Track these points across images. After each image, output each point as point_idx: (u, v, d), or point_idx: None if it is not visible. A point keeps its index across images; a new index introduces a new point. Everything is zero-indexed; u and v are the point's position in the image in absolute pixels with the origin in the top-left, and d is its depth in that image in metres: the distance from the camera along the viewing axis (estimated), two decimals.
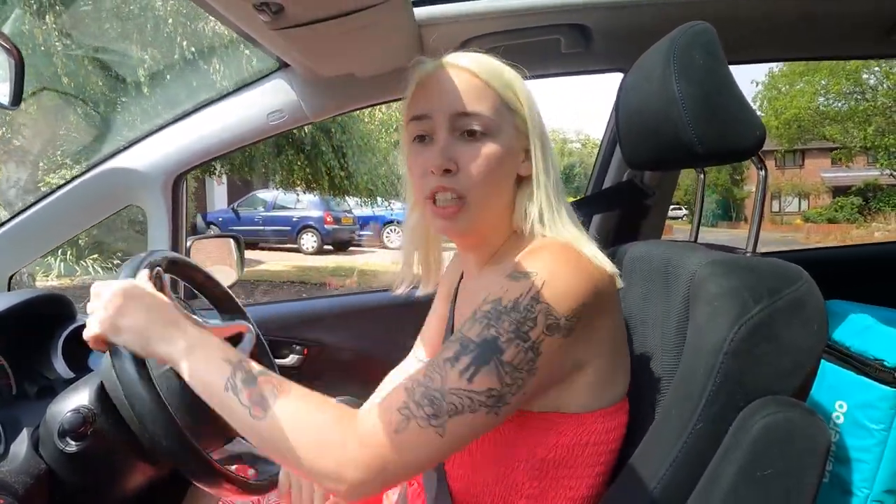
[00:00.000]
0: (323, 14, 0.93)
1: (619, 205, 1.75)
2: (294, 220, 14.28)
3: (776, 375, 0.72)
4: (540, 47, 1.46)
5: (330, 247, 14.54)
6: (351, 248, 15.21)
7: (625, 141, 1.07)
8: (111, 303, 0.79)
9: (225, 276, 1.63)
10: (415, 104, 0.88)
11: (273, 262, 12.24)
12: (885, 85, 18.57)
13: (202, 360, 0.75)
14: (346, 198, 12.42)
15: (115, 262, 8.19)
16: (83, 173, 1.52)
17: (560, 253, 0.77)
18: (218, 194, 16.53)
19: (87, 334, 0.83)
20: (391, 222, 15.49)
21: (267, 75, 1.50)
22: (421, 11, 1.30)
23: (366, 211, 14.14)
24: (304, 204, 14.14)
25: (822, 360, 0.96)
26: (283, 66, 1.47)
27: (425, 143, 0.87)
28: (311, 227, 14.18)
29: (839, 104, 19.85)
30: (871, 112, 18.87)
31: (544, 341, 0.70)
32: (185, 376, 0.75)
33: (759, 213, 0.89)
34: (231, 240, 1.73)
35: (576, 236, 0.83)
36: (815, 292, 0.76)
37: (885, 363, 1.47)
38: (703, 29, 0.86)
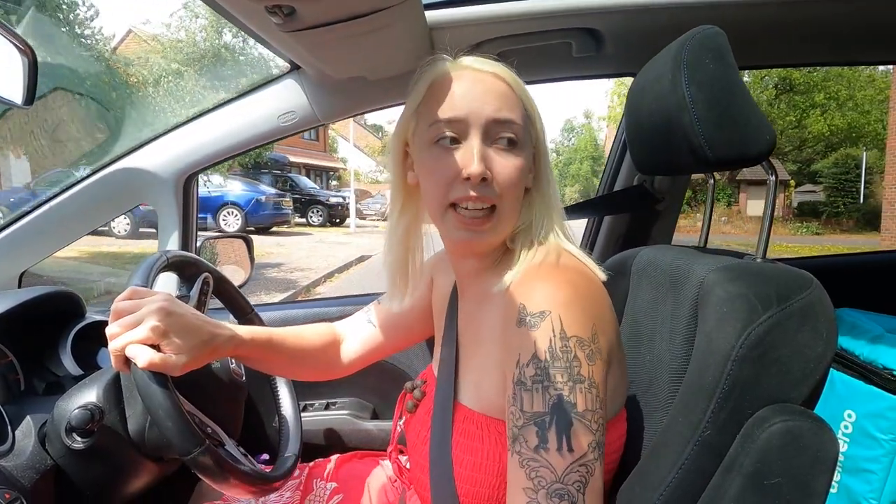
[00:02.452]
0: (334, 16, 0.93)
1: (628, 209, 1.74)
2: None
3: (785, 383, 0.72)
4: (551, 51, 1.46)
5: (151, 229, 13.70)
6: None
7: (634, 145, 1.07)
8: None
9: (235, 275, 1.64)
10: (448, 105, 0.83)
11: (73, 246, 11.57)
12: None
13: None
14: None
15: None
16: (95, 172, 1.53)
17: (556, 278, 0.77)
18: (17, 170, 13.42)
19: (117, 363, 0.84)
20: (226, 204, 15.42)
21: (278, 77, 1.51)
22: (432, 14, 1.30)
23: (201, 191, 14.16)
24: None
25: (832, 369, 0.95)
26: (295, 67, 1.47)
27: (453, 146, 0.82)
28: None
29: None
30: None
31: (593, 371, 0.71)
32: None
33: (770, 219, 0.88)
34: (241, 240, 1.74)
35: (555, 244, 0.85)
36: (825, 300, 0.76)
37: (895, 372, 1.46)
38: (714, 33, 0.86)
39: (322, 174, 34.68)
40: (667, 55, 0.91)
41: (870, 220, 17.03)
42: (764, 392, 0.71)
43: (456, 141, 0.82)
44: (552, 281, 0.76)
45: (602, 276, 0.83)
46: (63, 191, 1.52)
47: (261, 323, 1.29)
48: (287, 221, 17.28)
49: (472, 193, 0.80)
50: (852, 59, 1.83)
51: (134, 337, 0.81)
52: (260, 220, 15.73)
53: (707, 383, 0.73)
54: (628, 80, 1.28)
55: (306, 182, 23.24)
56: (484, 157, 0.81)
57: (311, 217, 20.61)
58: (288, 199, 17.12)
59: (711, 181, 1.08)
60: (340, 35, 1.01)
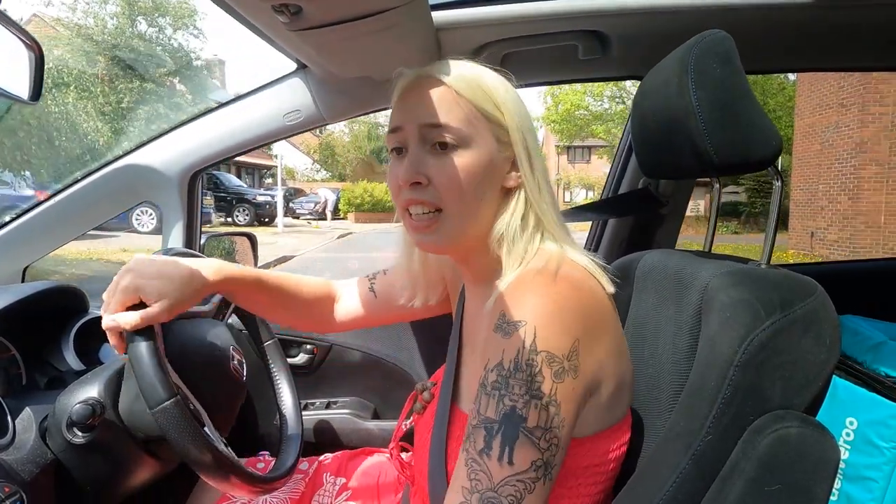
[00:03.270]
0: (341, 16, 0.93)
1: (632, 212, 1.74)
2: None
3: (787, 389, 0.72)
4: (557, 53, 1.46)
5: None
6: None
7: (640, 148, 1.06)
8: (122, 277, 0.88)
9: None
10: (392, 116, 0.88)
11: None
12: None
13: None
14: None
15: None
16: (100, 168, 1.53)
17: (544, 290, 0.74)
18: None
19: (113, 341, 0.88)
20: (142, 202, 15.16)
21: (285, 76, 1.51)
22: (439, 15, 1.30)
23: None
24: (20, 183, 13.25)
25: (834, 376, 0.95)
26: (301, 66, 1.47)
27: (401, 155, 0.86)
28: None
29: (604, 105, 21.20)
30: (627, 114, 19.67)
31: (558, 390, 0.69)
32: None
33: (775, 225, 0.88)
34: (245, 237, 1.75)
35: (558, 253, 0.82)
36: (829, 306, 0.75)
37: None
38: (721, 38, 0.86)
39: (254, 172, 33.64)
40: (674, 59, 0.91)
41: (784, 220, 17.43)
42: (766, 398, 0.71)
43: (400, 150, 0.86)
44: (539, 292, 0.74)
45: (609, 288, 0.80)
46: (67, 187, 1.53)
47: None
48: (208, 221, 16.59)
49: (409, 197, 0.84)
50: (860, 65, 1.82)
51: (112, 307, 0.86)
52: None
53: (709, 388, 0.73)
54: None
55: (232, 180, 22.69)
56: (419, 162, 0.83)
57: (236, 216, 20.05)
58: (209, 198, 16.57)
59: (716, 186, 1.08)
60: (347, 34, 1.01)
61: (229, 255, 1.79)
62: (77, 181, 1.53)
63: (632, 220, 1.78)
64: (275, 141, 1.59)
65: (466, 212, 0.84)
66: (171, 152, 1.54)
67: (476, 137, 0.82)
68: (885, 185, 10.48)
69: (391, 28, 1.02)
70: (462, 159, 0.82)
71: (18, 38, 0.98)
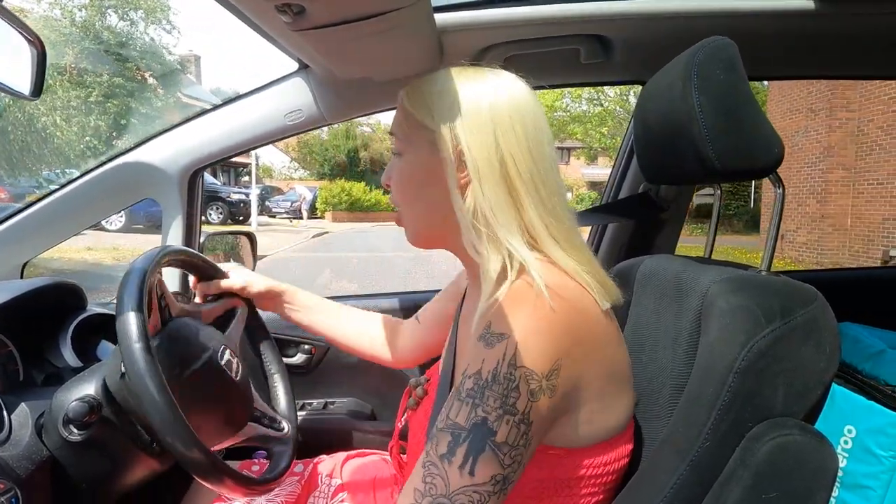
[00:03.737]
0: (344, 16, 0.93)
1: (633, 217, 1.74)
2: None
3: (786, 397, 0.71)
4: (559, 57, 1.46)
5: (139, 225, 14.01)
6: None
7: (641, 153, 1.06)
8: None
9: None
10: None
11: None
12: (616, 91, 19.74)
13: None
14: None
15: None
16: (101, 165, 1.53)
17: (533, 305, 0.72)
18: None
19: None
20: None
21: (286, 75, 1.51)
22: (442, 17, 1.30)
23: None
24: None
25: (833, 384, 0.95)
26: (303, 66, 1.47)
27: None
28: None
29: (582, 107, 21.23)
30: (604, 116, 20.44)
31: (532, 409, 0.69)
32: None
33: (776, 231, 0.88)
34: (244, 236, 1.74)
35: (548, 264, 0.80)
36: (829, 314, 0.75)
37: None
38: (725, 44, 0.85)
39: (230, 170, 32.89)
40: (677, 64, 0.90)
41: (757, 221, 17.70)
42: (765, 405, 0.71)
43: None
44: (525, 306, 0.73)
45: (604, 305, 0.78)
46: (68, 183, 1.53)
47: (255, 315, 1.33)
48: None
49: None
50: (862, 73, 1.82)
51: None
52: (145, 219, 14.71)
53: (708, 395, 0.72)
54: None
55: (206, 178, 22.14)
56: (389, 167, 0.94)
57: (209, 215, 19.66)
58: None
59: (718, 192, 1.08)
60: (349, 35, 1.01)
61: (228, 254, 1.78)
62: (78, 177, 1.53)
63: (632, 224, 1.77)
64: (276, 140, 1.59)
65: (415, 210, 0.92)
66: (172, 150, 1.54)
67: (410, 143, 0.89)
68: (851, 189, 10.75)
69: (394, 29, 1.02)
70: (401, 164, 0.91)
71: (20, 33, 0.98)
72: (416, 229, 0.93)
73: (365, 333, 1.33)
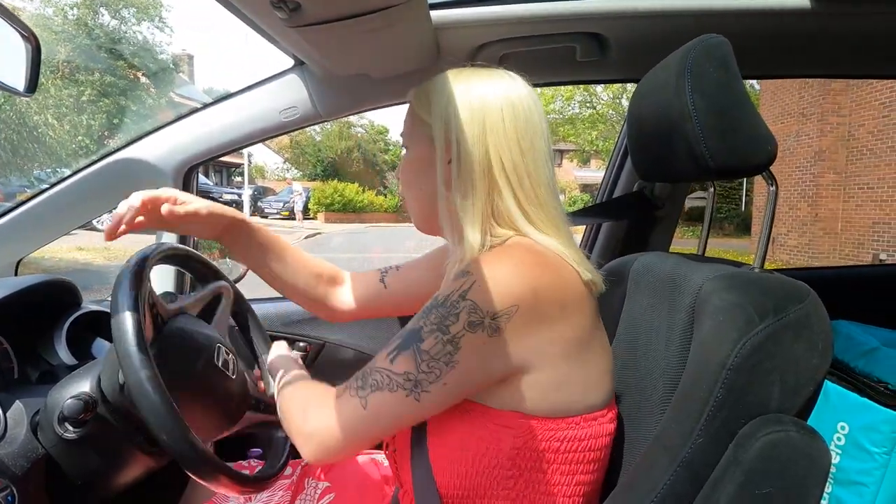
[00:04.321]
0: (340, 13, 0.93)
1: (627, 215, 1.74)
2: None
3: (779, 394, 0.72)
4: (555, 55, 1.46)
5: None
6: None
7: (635, 150, 1.07)
8: None
9: (232, 271, 1.64)
10: None
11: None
12: (608, 94, 19.97)
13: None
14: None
15: None
16: (95, 162, 1.53)
17: (505, 255, 0.80)
18: None
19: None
20: None
21: (282, 72, 1.51)
22: (438, 14, 1.30)
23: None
24: None
25: (826, 381, 0.95)
26: (298, 63, 1.47)
27: None
28: None
29: (574, 109, 21.35)
30: (596, 118, 20.52)
31: (464, 336, 0.75)
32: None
33: (769, 229, 0.88)
34: None
35: (524, 237, 0.86)
36: (822, 311, 0.76)
37: (890, 386, 1.46)
38: (719, 42, 0.86)
39: (223, 170, 32.45)
40: (671, 62, 0.91)
41: (748, 225, 17.91)
42: (758, 402, 0.71)
43: None
44: (496, 255, 0.80)
45: (585, 275, 0.83)
46: (62, 180, 1.52)
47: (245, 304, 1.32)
48: None
49: None
50: (857, 72, 1.83)
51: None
52: None
53: (701, 391, 0.73)
54: None
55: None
56: (402, 162, 1.00)
57: None
58: None
59: (711, 189, 1.08)
60: (345, 32, 1.01)
61: (223, 251, 1.78)
62: (73, 174, 1.52)
63: (626, 222, 1.78)
64: (271, 137, 1.59)
65: (413, 199, 0.98)
66: (166, 147, 1.53)
67: (413, 139, 0.95)
68: (842, 193, 10.86)
69: (390, 26, 1.02)
70: (406, 158, 0.97)
71: (15, 29, 0.97)
72: (414, 217, 1.00)
73: (319, 286, 1.23)
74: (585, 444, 0.82)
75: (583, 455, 0.83)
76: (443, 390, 0.77)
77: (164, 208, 1.01)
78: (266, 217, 24.64)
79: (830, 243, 11.02)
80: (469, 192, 0.87)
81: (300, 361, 1.11)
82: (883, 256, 9.74)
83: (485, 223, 0.86)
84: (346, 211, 27.38)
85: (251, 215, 19.93)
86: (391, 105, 1.56)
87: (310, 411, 0.86)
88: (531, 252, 0.81)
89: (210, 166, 29.77)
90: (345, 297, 1.26)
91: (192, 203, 1.04)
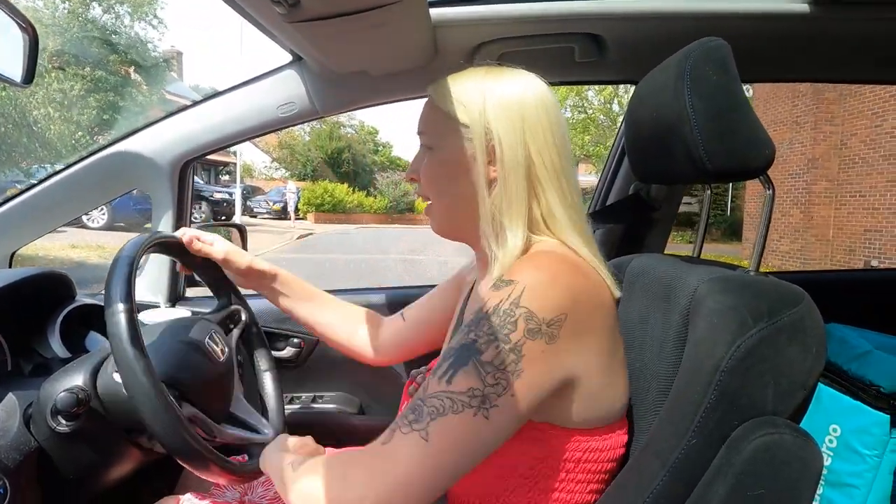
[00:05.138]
0: (339, 9, 0.93)
1: (623, 217, 1.75)
2: None
3: (772, 396, 0.72)
4: (554, 55, 1.46)
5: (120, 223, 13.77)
6: None
7: (633, 152, 1.07)
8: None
9: None
10: None
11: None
12: (599, 99, 20.16)
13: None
14: None
15: None
16: (91, 155, 1.52)
17: (546, 263, 0.78)
18: None
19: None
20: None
21: (280, 67, 1.50)
22: (437, 12, 1.30)
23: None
24: None
25: (819, 383, 0.96)
26: (296, 58, 1.47)
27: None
28: None
29: (566, 113, 21.42)
30: (588, 123, 20.71)
31: (526, 344, 0.70)
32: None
33: (765, 232, 0.88)
34: (234, 228, 1.74)
35: (569, 244, 0.85)
36: (816, 315, 0.76)
37: (882, 389, 1.47)
38: (718, 45, 0.86)
39: (210, 168, 31.93)
40: (670, 65, 0.91)
41: (735, 230, 18.11)
42: (751, 404, 0.72)
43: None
44: (540, 265, 0.77)
45: (616, 293, 0.84)
46: (56, 173, 1.51)
47: (246, 306, 1.31)
48: None
49: (416, 190, 0.99)
50: (855, 77, 1.83)
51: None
52: (129, 216, 14.30)
53: (694, 393, 0.73)
54: None
55: None
56: (415, 162, 0.97)
57: (192, 214, 18.95)
58: None
59: (708, 192, 1.08)
60: (344, 28, 1.01)
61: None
62: (67, 167, 1.52)
63: (622, 224, 1.78)
64: (268, 132, 1.59)
65: (444, 202, 0.94)
66: (162, 141, 1.53)
67: (443, 138, 0.91)
68: (834, 200, 11.01)
69: (388, 24, 1.02)
70: (434, 158, 0.93)
71: (12, 19, 0.97)
72: (442, 221, 0.96)
73: (346, 327, 1.29)
74: (605, 454, 0.82)
75: (600, 465, 0.82)
76: (512, 404, 0.70)
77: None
78: (255, 216, 24.53)
79: (822, 250, 11.15)
80: (512, 194, 0.86)
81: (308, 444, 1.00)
82: (874, 263, 9.79)
83: (525, 226, 0.86)
84: (335, 211, 27.23)
85: (242, 214, 19.76)
86: (388, 102, 1.56)
87: (351, 473, 0.71)
88: (567, 261, 0.80)
89: (199, 164, 29.67)
90: (374, 339, 1.28)
91: (237, 259, 1.20)
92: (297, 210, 25.72)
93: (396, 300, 1.76)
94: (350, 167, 35.04)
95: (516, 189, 0.86)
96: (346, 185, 29.75)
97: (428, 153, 0.94)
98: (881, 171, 9.82)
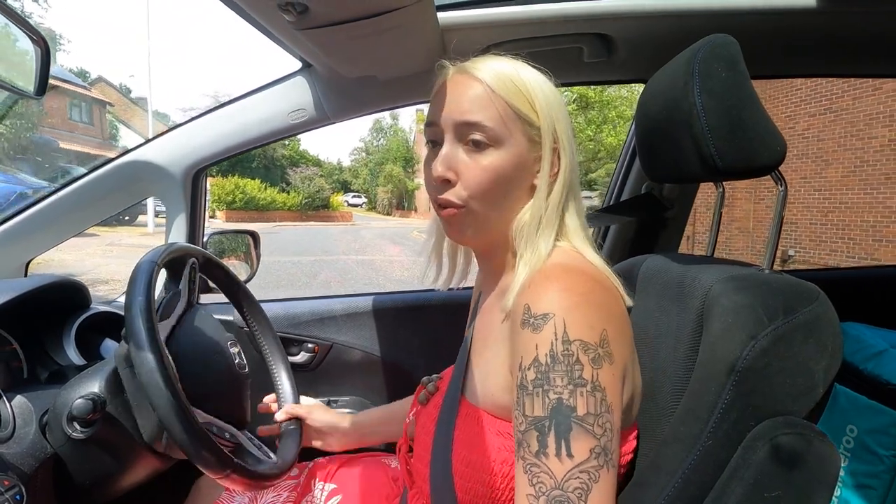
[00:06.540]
0: (347, 15, 0.93)
1: (637, 216, 1.74)
2: None
3: (788, 396, 0.71)
4: (562, 55, 1.46)
5: None
6: None
7: (643, 152, 1.06)
8: None
9: (240, 271, 1.65)
10: (430, 109, 0.89)
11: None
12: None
13: None
14: None
15: None
16: (104, 164, 1.54)
17: (568, 282, 0.75)
18: None
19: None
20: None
21: (290, 74, 1.51)
22: (445, 16, 1.30)
23: None
24: None
25: (835, 383, 0.95)
26: (306, 65, 1.48)
27: (436, 147, 0.87)
28: None
29: None
30: (585, 125, 20.12)
31: (598, 376, 0.69)
32: None
33: (777, 230, 0.88)
34: (248, 235, 1.75)
35: (580, 250, 0.84)
36: (831, 313, 0.75)
37: None
38: (727, 42, 0.85)
39: (101, 166, 30.57)
40: (679, 62, 0.90)
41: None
42: (767, 404, 0.71)
43: (437, 144, 0.87)
44: (560, 283, 0.74)
45: (628, 301, 0.81)
46: (72, 181, 1.53)
47: (249, 299, 1.33)
48: None
49: (439, 193, 0.85)
50: (863, 72, 1.82)
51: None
52: None
53: (710, 393, 0.72)
54: None
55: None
56: (450, 158, 0.84)
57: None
58: None
59: (720, 190, 1.08)
60: (352, 34, 1.01)
61: (232, 252, 1.79)
62: (82, 175, 1.53)
63: (635, 222, 1.78)
64: (281, 139, 1.60)
65: (491, 209, 0.85)
66: (176, 149, 1.54)
67: (508, 137, 0.83)
68: (753, 196, 11.87)
69: (397, 28, 1.02)
70: (492, 158, 0.82)
71: (25, 33, 0.98)
72: (483, 226, 0.87)
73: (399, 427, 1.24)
74: (621, 460, 0.81)
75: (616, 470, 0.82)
76: (617, 436, 0.69)
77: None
78: (158, 215, 23.97)
79: (744, 241, 12.08)
80: (557, 199, 0.84)
81: None
82: (791, 252, 10.90)
83: (556, 232, 0.84)
84: (248, 209, 25.95)
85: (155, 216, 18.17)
86: (398, 106, 1.57)
87: None
88: (586, 274, 0.77)
89: (86, 161, 26.73)
90: None
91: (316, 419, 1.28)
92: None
93: (398, 302, 1.77)
94: (261, 162, 33.74)
95: (561, 194, 0.84)
96: (257, 181, 28.32)
97: (477, 150, 0.83)
98: (795, 168, 10.69)
